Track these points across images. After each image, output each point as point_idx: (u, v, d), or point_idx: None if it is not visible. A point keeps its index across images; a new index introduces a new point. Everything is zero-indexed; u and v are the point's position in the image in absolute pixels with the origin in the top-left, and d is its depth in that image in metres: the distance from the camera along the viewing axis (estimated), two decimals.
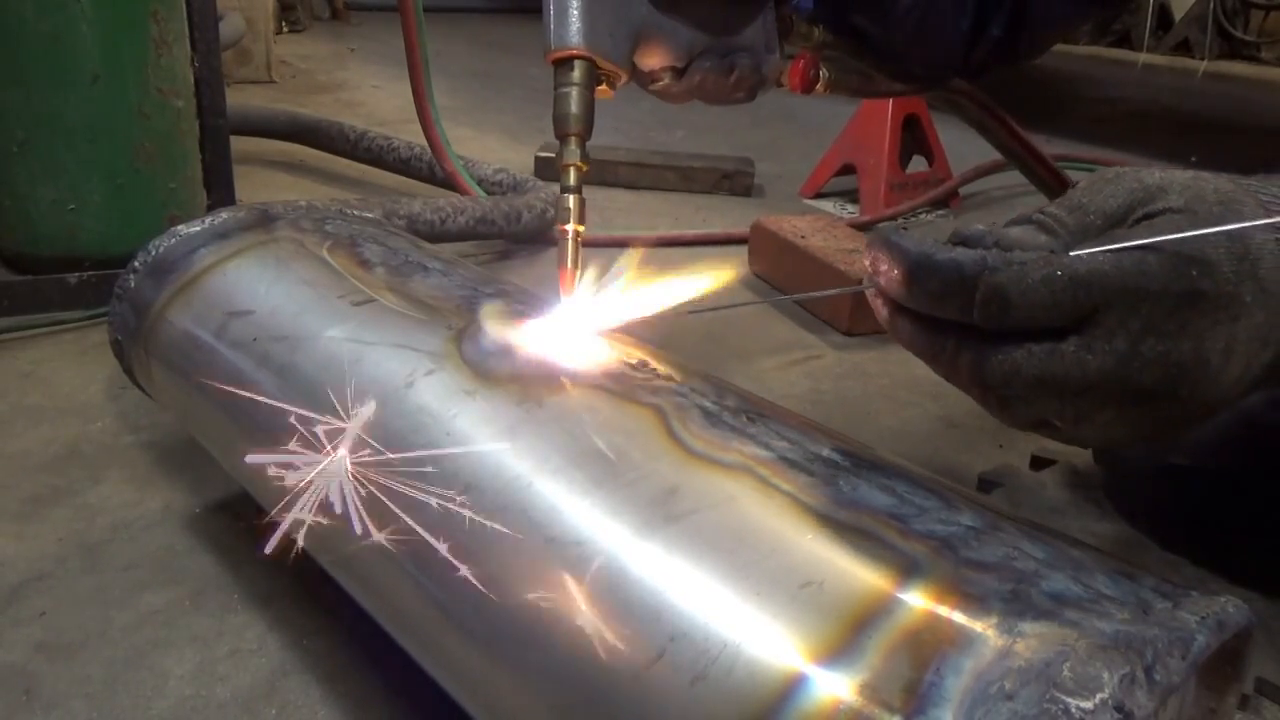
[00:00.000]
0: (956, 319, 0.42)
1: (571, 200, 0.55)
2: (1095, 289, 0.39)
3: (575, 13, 0.54)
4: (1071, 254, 0.39)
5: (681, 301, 0.53)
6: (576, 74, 0.55)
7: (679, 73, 0.60)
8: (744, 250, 1.64)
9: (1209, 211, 0.40)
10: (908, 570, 0.38)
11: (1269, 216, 0.40)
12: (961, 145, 1.97)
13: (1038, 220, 0.43)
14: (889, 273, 0.43)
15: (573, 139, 0.55)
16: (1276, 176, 0.46)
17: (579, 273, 0.56)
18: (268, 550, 0.46)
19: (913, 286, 0.42)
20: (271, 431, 0.61)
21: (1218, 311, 0.39)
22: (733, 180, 2.10)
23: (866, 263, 0.45)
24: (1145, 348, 0.39)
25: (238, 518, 0.84)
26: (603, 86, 0.57)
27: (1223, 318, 0.39)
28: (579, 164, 0.55)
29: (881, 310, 0.45)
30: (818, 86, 0.69)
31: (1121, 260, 0.39)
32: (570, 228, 0.55)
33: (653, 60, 0.59)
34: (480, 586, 0.45)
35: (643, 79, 0.61)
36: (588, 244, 0.56)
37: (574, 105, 0.54)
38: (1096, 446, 0.45)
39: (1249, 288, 0.39)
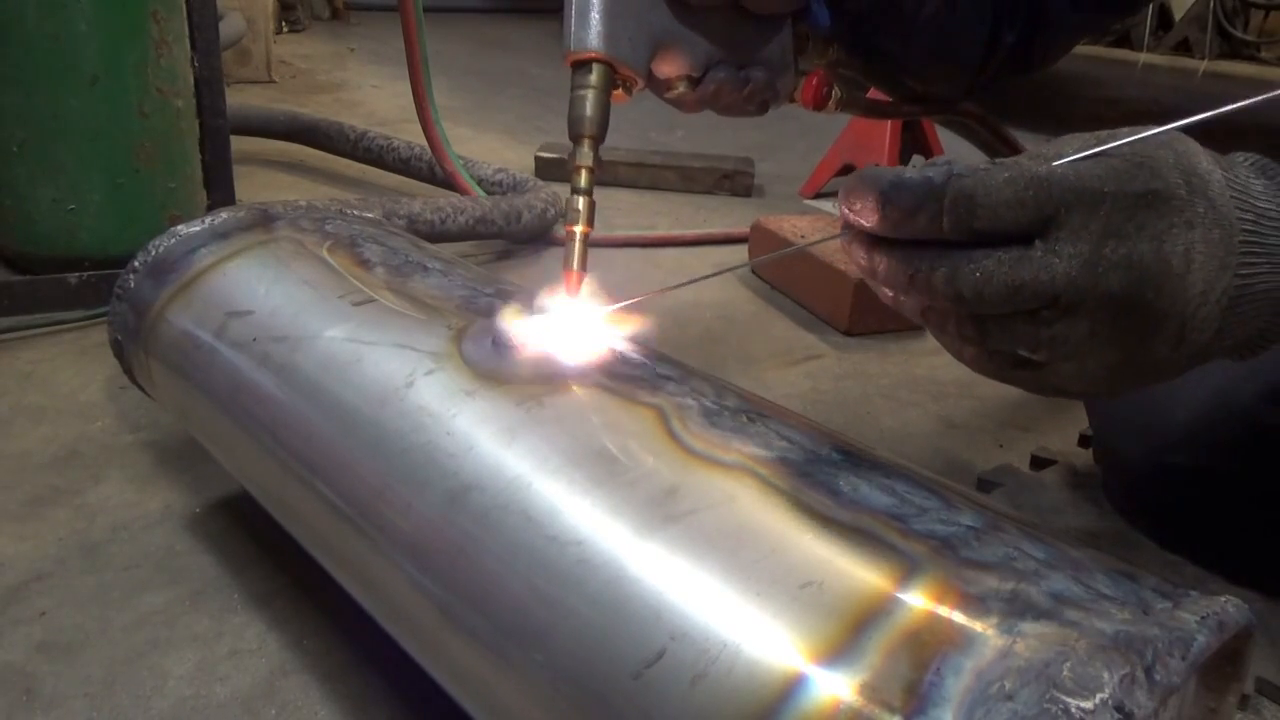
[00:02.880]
0: (927, 233, 0.43)
1: (581, 202, 0.55)
2: (1055, 189, 0.41)
3: (596, 16, 0.54)
4: (1030, 161, 0.42)
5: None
6: (594, 77, 0.55)
7: (694, 82, 0.61)
8: (744, 250, 1.64)
9: (1155, 139, 0.43)
10: (908, 570, 0.38)
11: (1196, 168, 0.43)
12: (961, 145, 1.96)
13: (999, 162, 0.45)
14: (864, 206, 0.45)
15: (586, 141, 0.55)
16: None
17: (584, 276, 0.56)
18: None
19: (886, 208, 0.44)
20: (272, 430, 0.61)
21: (1173, 215, 0.42)
22: (733, 180, 2.10)
23: (843, 207, 0.46)
24: (1108, 250, 0.41)
25: (238, 518, 0.84)
26: (619, 91, 0.58)
27: (1178, 222, 0.42)
28: (590, 166, 0.55)
29: (860, 256, 0.47)
30: (829, 104, 0.70)
31: (1079, 166, 0.42)
32: (578, 230, 0.55)
33: (670, 69, 0.60)
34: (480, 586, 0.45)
35: (658, 86, 0.61)
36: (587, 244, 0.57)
37: (589, 108, 0.55)
38: (1078, 389, 0.46)
39: (1201, 203, 0.42)
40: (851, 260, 0.47)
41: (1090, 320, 0.43)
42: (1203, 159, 0.44)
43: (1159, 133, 0.43)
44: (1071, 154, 0.43)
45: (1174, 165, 0.43)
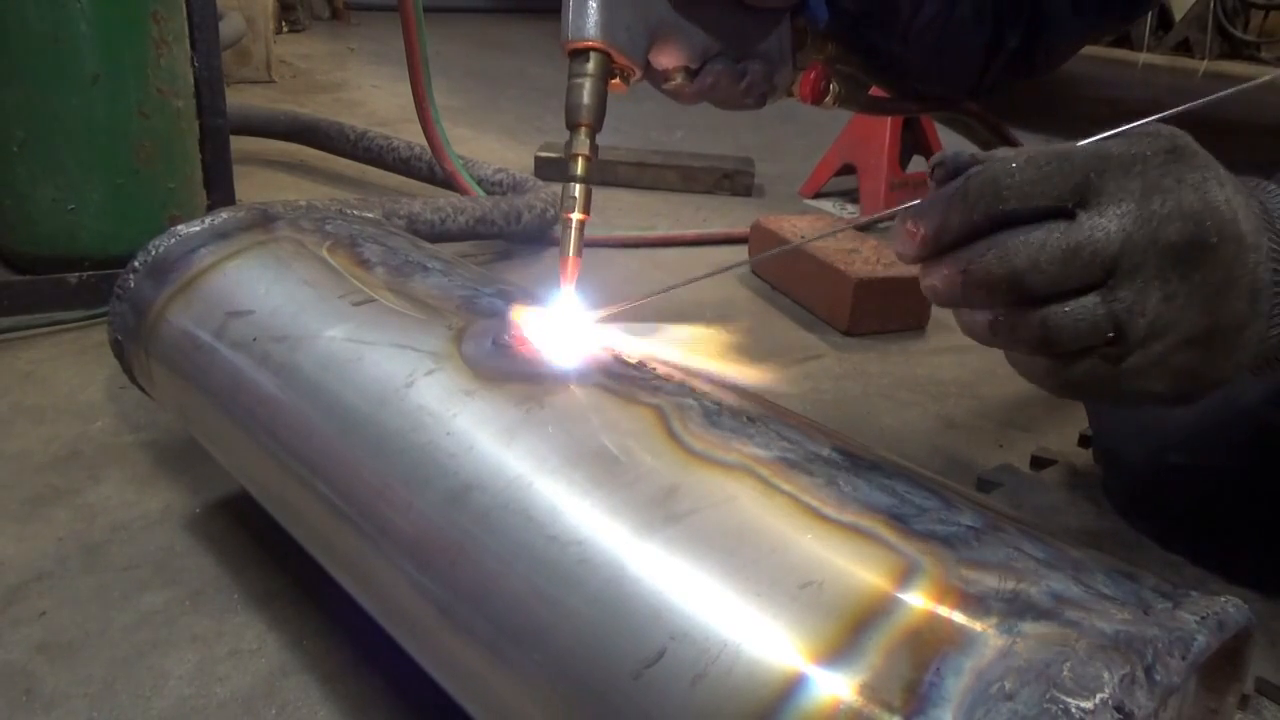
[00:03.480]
0: (964, 233, 0.43)
1: (578, 189, 0.55)
2: (1079, 159, 0.41)
3: (594, 5, 0.54)
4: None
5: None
6: (591, 65, 0.55)
7: (692, 74, 0.61)
8: (744, 250, 1.64)
9: (1150, 123, 0.43)
10: (908, 570, 0.38)
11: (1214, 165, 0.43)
12: (961, 145, 1.97)
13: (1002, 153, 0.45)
14: (901, 242, 0.45)
15: (583, 129, 0.55)
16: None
17: (580, 262, 0.56)
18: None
19: (919, 230, 0.44)
20: (272, 430, 0.61)
21: (1205, 169, 0.41)
22: (733, 180, 2.10)
23: (895, 249, 0.46)
24: (1156, 205, 0.40)
25: (238, 518, 0.84)
26: (616, 81, 0.58)
27: (1210, 175, 0.41)
28: (587, 154, 0.55)
29: (926, 288, 0.46)
30: (827, 99, 0.70)
31: (1097, 143, 0.42)
32: (575, 216, 0.55)
33: (667, 59, 0.60)
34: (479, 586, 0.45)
35: (656, 77, 0.61)
36: (587, 244, 0.57)
37: (586, 96, 0.55)
38: (1156, 383, 0.43)
39: (1220, 167, 0.42)
40: (935, 302, 0.47)
41: (1160, 283, 0.41)
42: (1207, 154, 0.44)
43: (1151, 121, 0.43)
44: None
45: (1184, 134, 0.43)
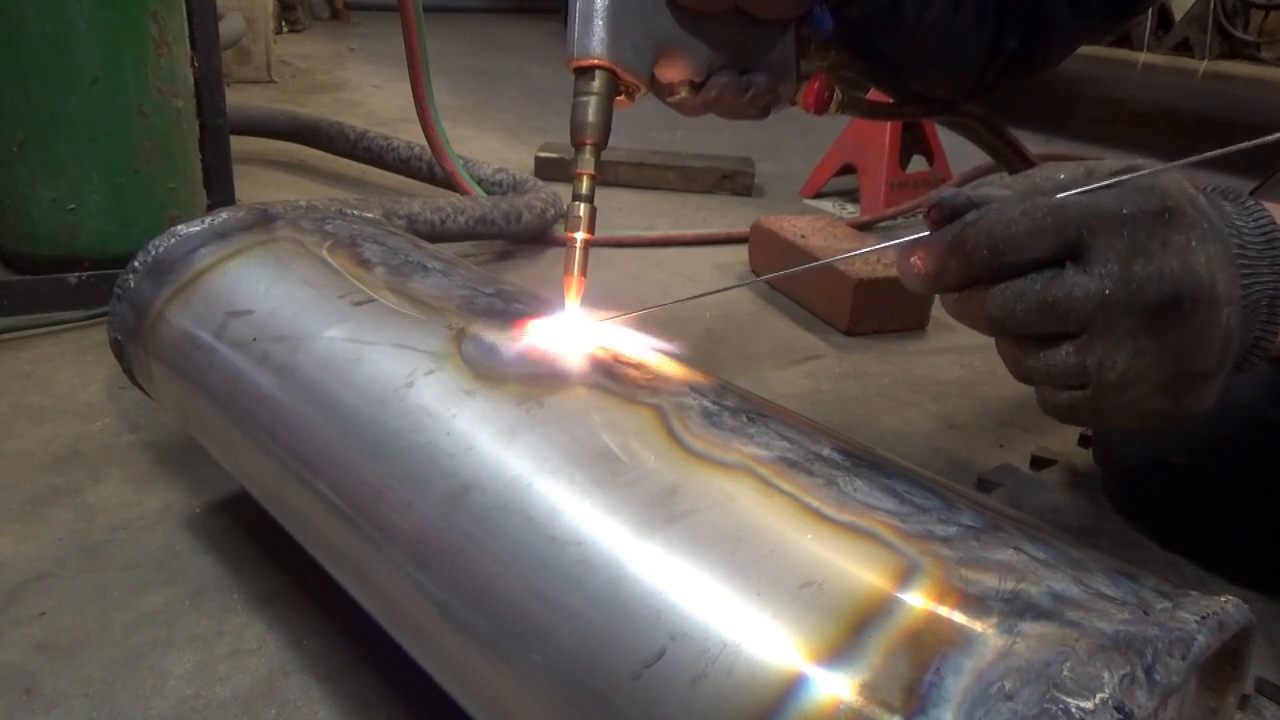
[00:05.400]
0: (963, 280, 0.45)
1: (582, 208, 0.55)
2: (1072, 213, 0.42)
3: (600, 23, 0.54)
4: (1042, 181, 0.44)
5: (676, 297, 0.53)
6: (597, 83, 0.55)
7: (697, 87, 0.61)
8: (744, 250, 1.64)
9: (1143, 177, 0.44)
10: (908, 570, 0.38)
11: (1191, 192, 0.45)
12: (961, 145, 1.96)
13: (997, 183, 0.46)
14: (904, 269, 0.47)
15: (588, 147, 0.55)
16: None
17: (584, 281, 0.56)
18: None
19: (924, 268, 0.45)
20: (272, 430, 0.61)
21: (1190, 230, 0.43)
22: (733, 180, 2.10)
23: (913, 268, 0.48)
24: (1138, 267, 0.42)
25: (238, 518, 0.84)
26: (621, 96, 0.58)
27: (1194, 236, 0.43)
28: (592, 172, 0.55)
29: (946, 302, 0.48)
30: (831, 107, 0.70)
31: (1094, 194, 0.43)
32: (580, 236, 0.55)
33: (672, 74, 0.60)
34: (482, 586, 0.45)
35: (661, 91, 0.61)
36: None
37: (592, 114, 0.55)
38: (1129, 417, 0.46)
39: (1205, 220, 0.44)
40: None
41: (1133, 341, 0.43)
42: (1187, 184, 0.46)
43: (1147, 174, 0.44)
44: (1063, 178, 0.44)
45: (1177, 187, 0.44)
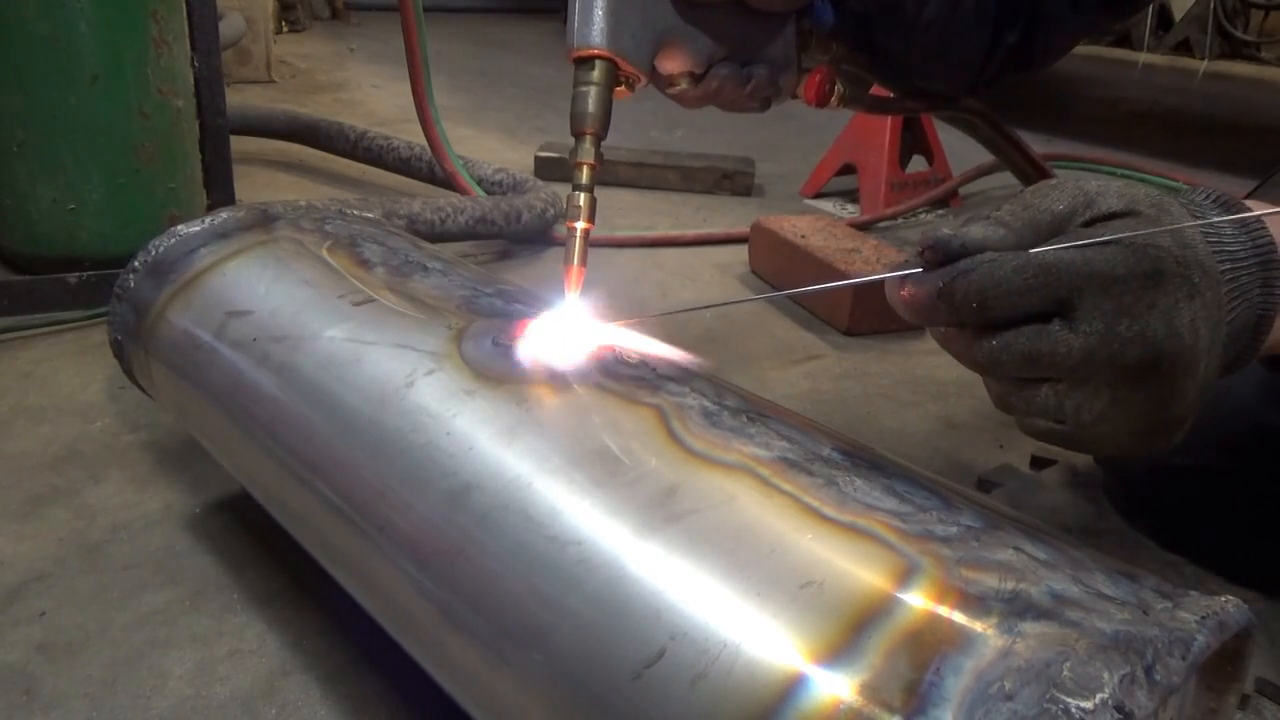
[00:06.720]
0: (953, 324, 0.46)
1: (582, 198, 0.55)
2: (1065, 274, 0.43)
3: (600, 14, 0.54)
4: (1035, 250, 0.44)
5: (680, 304, 0.53)
6: (596, 74, 0.55)
7: (697, 79, 0.61)
8: (744, 250, 1.64)
9: (1148, 213, 0.45)
10: (908, 570, 0.38)
11: (1194, 217, 0.46)
12: (961, 145, 1.96)
13: (993, 218, 0.46)
14: (896, 303, 0.48)
15: (588, 137, 0.55)
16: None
17: (584, 270, 0.56)
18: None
19: (910, 299, 0.47)
20: (272, 430, 0.61)
21: (1177, 291, 0.44)
22: (733, 180, 2.10)
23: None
24: (1122, 328, 0.43)
25: (238, 518, 0.84)
26: (621, 88, 0.58)
27: (1182, 296, 0.44)
28: (592, 162, 0.55)
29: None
30: (832, 100, 0.70)
31: (1085, 253, 0.43)
32: (579, 225, 0.55)
33: (672, 65, 0.60)
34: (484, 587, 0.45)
35: (661, 83, 0.61)
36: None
37: (591, 104, 0.55)
38: (1103, 449, 0.48)
39: (1195, 271, 0.44)
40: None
41: (1111, 391, 0.44)
42: (1184, 216, 0.46)
43: (1137, 235, 0.44)
44: (1061, 209, 0.45)
45: (1173, 243, 0.44)
